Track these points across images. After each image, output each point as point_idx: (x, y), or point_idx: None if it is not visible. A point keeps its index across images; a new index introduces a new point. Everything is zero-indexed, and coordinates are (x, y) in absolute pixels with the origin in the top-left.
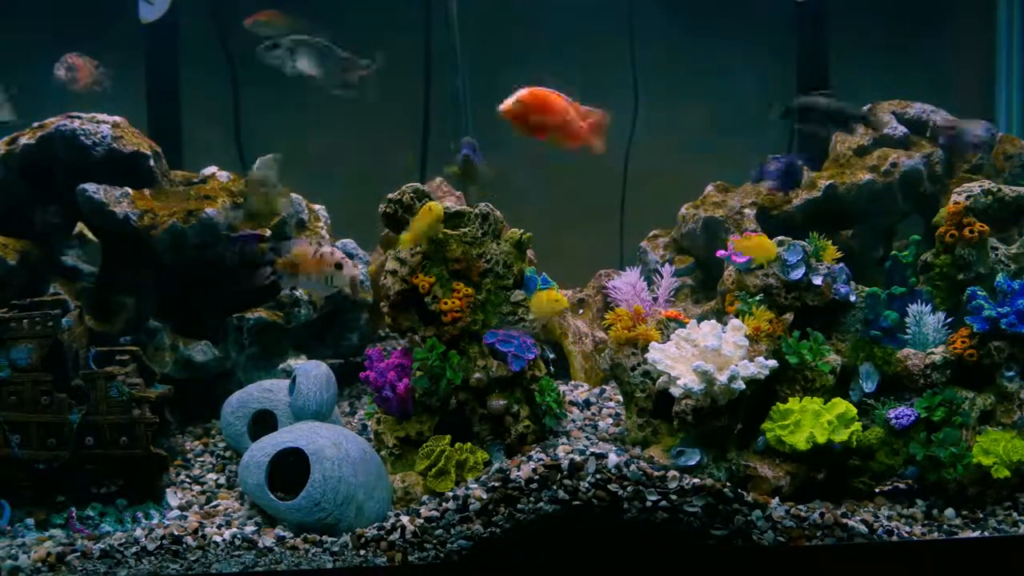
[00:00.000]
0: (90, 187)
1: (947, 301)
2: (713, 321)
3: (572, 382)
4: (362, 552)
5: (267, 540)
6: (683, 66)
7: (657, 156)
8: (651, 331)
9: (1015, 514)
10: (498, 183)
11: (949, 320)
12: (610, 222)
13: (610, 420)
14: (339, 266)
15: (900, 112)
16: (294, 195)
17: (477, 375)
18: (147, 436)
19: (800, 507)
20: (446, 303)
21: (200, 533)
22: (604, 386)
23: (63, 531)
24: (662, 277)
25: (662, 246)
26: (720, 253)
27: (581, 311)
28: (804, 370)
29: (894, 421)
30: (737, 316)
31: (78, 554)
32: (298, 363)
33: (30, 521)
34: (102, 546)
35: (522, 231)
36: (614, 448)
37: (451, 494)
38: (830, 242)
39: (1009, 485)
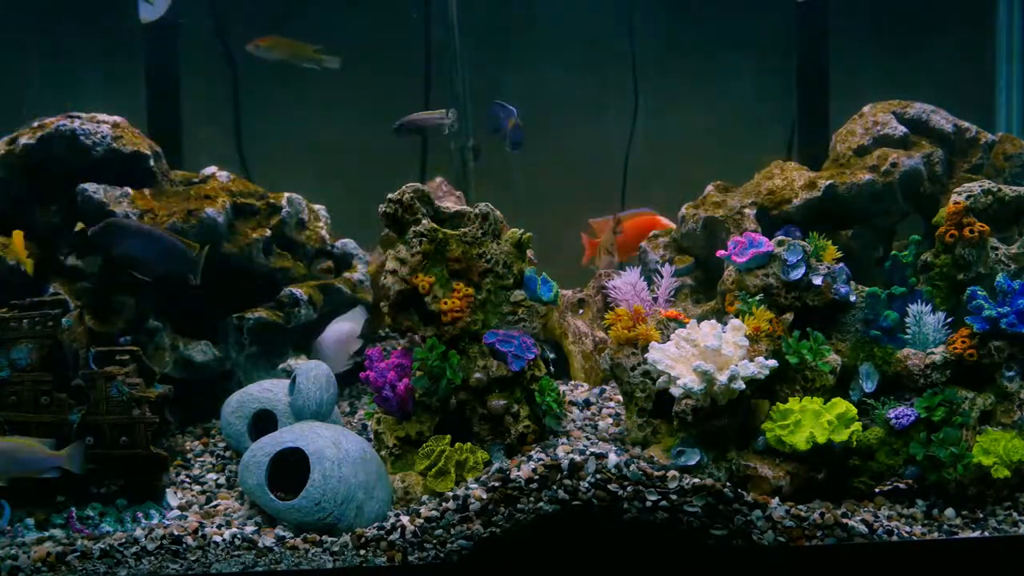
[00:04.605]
0: (90, 187)
1: (947, 301)
2: (713, 321)
3: (572, 382)
4: (362, 552)
5: (267, 540)
6: (683, 66)
7: (657, 156)
8: (651, 331)
9: (1015, 514)
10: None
11: (949, 320)
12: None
13: (610, 420)
14: None
15: (900, 112)
16: (294, 195)
17: (477, 375)
18: (147, 436)
19: (800, 507)
20: (446, 303)
21: (200, 533)
22: (604, 386)
23: (63, 531)
24: (662, 277)
25: (662, 246)
26: (720, 253)
27: (581, 311)
28: (804, 370)
29: (894, 421)
30: (737, 316)
31: (78, 554)
32: (298, 363)
33: (30, 521)
34: (102, 546)
35: (522, 231)
36: (614, 448)
37: (451, 494)
38: (830, 242)
39: (1009, 485)
